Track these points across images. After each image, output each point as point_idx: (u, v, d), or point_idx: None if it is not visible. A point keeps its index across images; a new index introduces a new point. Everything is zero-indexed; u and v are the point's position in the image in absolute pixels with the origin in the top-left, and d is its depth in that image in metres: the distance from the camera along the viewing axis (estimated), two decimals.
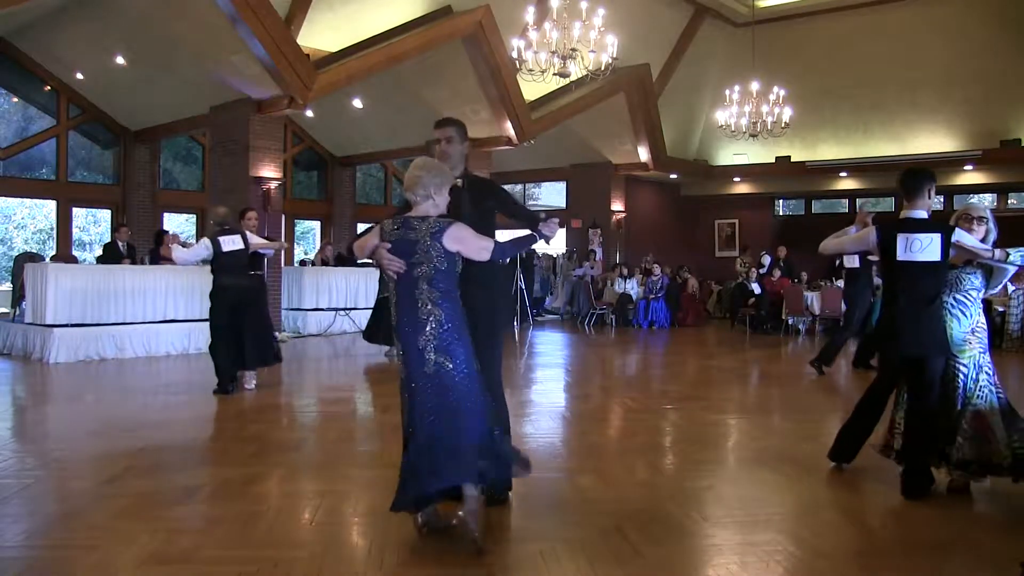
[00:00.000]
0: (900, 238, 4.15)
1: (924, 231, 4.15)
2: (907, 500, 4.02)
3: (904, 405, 4.28)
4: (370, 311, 13.53)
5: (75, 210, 15.26)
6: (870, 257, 7.40)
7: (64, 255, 13.43)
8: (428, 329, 3.34)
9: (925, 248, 4.11)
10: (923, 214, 4.28)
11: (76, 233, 15.82)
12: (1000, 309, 11.66)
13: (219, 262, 7.07)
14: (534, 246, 4.04)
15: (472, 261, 3.54)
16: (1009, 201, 17.08)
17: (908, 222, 4.22)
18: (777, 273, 14.17)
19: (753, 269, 14.78)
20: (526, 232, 3.71)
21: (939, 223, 4.24)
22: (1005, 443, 4.07)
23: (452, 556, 3.24)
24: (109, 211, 15.64)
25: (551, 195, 20.84)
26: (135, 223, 14.70)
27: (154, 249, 11.68)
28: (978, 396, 4.16)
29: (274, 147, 12.22)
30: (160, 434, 5.52)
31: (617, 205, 18.05)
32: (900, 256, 4.15)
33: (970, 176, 16.46)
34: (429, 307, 3.36)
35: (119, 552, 3.23)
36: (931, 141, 16.15)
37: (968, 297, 4.29)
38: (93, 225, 17.06)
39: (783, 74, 14.68)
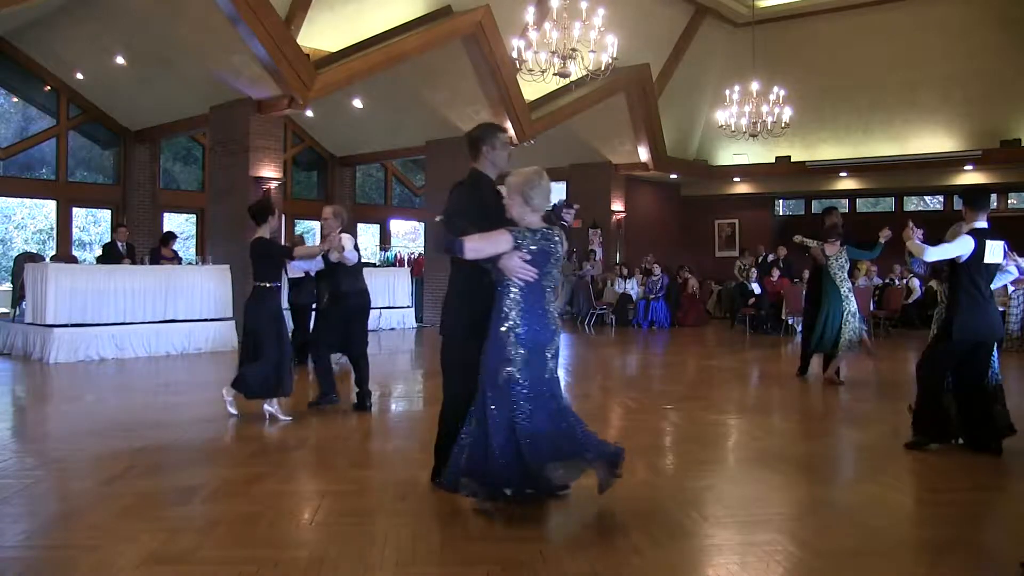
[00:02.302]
0: (987, 244, 4.96)
1: (993, 239, 5.02)
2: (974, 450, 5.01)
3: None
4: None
5: (75, 210, 15.26)
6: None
7: (64, 255, 13.43)
8: (555, 336, 3.76)
9: (997, 252, 5.03)
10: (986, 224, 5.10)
11: (76, 233, 15.82)
12: (1000, 309, 11.65)
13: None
14: None
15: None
16: (1009, 201, 17.08)
17: (986, 231, 5.03)
18: (777, 273, 14.17)
19: (753, 269, 14.78)
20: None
21: (997, 232, 5.10)
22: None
23: (452, 555, 3.25)
24: (109, 211, 15.65)
25: (551, 195, 20.81)
26: (135, 223, 14.71)
27: (155, 249, 11.68)
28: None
29: (274, 147, 12.21)
30: (160, 434, 5.52)
31: (617, 205, 18.04)
32: (987, 259, 4.99)
33: (970, 176, 16.45)
34: (554, 315, 3.80)
35: (119, 552, 3.23)
36: (931, 141, 16.15)
37: None
38: (93, 225, 17.06)
39: (783, 74, 14.68)
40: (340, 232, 6.25)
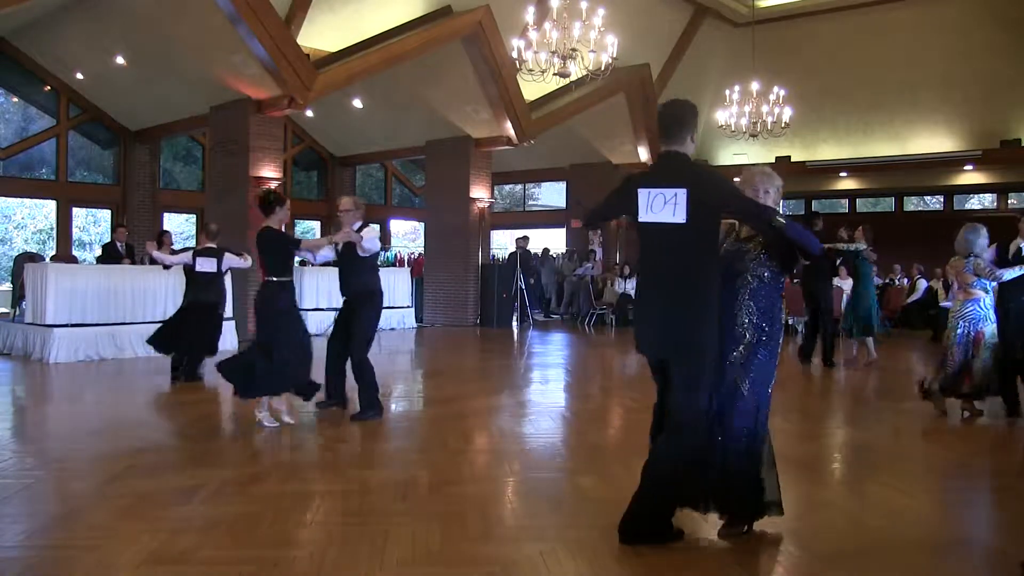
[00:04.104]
0: None
1: None
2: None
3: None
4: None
5: (75, 210, 15.26)
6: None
7: (64, 255, 13.44)
8: None
9: None
10: None
11: (76, 233, 15.82)
12: None
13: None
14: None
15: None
16: (1009, 201, 17.08)
17: None
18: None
19: None
20: None
21: None
22: None
23: (452, 555, 3.24)
24: (109, 211, 15.65)
25: (551, 195, 20.83)
26: (135, 223, 14.71)
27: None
28: None
29: (274, 147, 12.22)
30: (160, 434, 5.52)
31: None
32: None
33: (970, 176, 16.46)
34: None
35: (119, 552, 3.22)
36: (931, 141, 16.15)
37: None
38: (93, 225, 17.06)
39: (783, 74, 14.67)
40: (361, 223, 6.11)
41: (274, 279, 5.66)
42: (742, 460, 3.37)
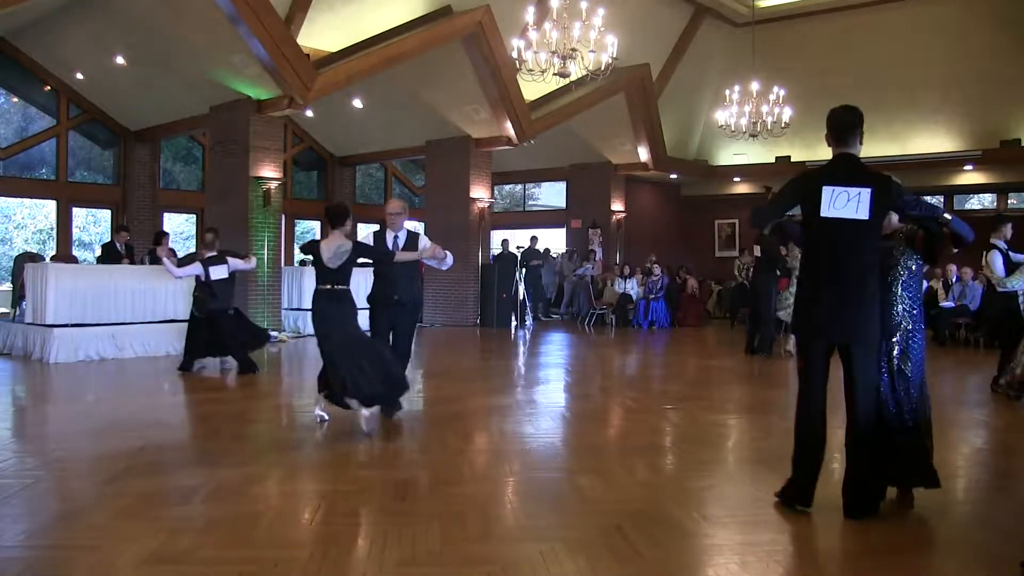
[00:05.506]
0: None
1: None
2: None
3: None
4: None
5: (75, 210, 15.26)
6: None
7: (64, 255, 13.43)
8: None
9: None
10: None
11: (76, 233, 15.82)
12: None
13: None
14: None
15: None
16: (1009, 201, 17.06)
17: None
18: (777, 273, 14.15)
19: (751, 268, 14.78)
20: None
21: None
22: None
23: (452, 555, 3.24)
24: (109, 211, 15.65)
25: (551, 195, 20.83)
26: (135, 223, 14.70)
27: (153, 249, 11.67)
28: None
29: (274, 147, 12.22)
30: (160, 434, 5.52)
31: (617, 205, 18.04)
32: None
33: (970, 176, 16.45)
34: None
35: (119, 552, 3.22)
36: (931, 141, 16.15)
37: None
38: (93, 225, 17.06)
39: (783, 74, 14.67)
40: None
41: (347, 288, 5.57)
42: (910, 433, 3.81)
